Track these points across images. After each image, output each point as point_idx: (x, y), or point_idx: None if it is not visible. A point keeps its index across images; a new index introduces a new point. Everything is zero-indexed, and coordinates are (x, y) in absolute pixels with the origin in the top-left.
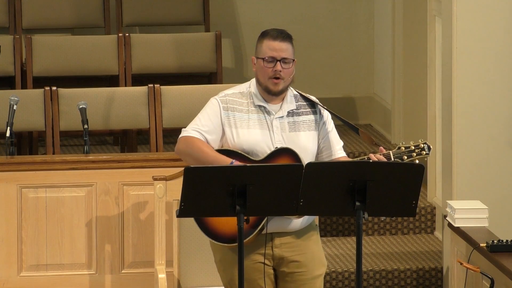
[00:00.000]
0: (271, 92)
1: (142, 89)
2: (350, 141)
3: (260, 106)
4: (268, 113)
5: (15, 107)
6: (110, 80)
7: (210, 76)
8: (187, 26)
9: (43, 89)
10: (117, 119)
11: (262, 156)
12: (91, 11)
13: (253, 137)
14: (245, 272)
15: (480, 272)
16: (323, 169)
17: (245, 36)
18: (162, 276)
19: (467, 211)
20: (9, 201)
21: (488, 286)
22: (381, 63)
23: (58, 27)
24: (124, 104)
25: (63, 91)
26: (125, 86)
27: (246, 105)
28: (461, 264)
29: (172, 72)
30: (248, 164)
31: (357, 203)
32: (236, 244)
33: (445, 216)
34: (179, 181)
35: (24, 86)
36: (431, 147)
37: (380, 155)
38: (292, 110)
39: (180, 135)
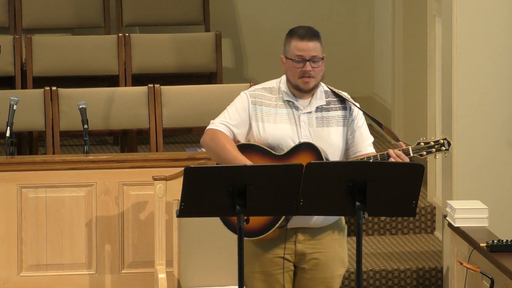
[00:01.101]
0: (302, 90)
1: (142, 89)
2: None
3: (288, 101)
4: (296, 108)
5: (15, 107)
6: (110, 80)
7: (210, 76)
8: (187, 26)
9: (43, 89)
10: (117, 119)
11: (286, 151)
12: (91, 11)
13: (279, 131)
14: (265, 266)
15: (480, 272)
16: (323, 169)
17: (245, 36)
18: (162, 276)
19: (467, 211)
20: (9, 201)
21: (488, 286)
22: (381, 63)
23: (58, 27)
24: (124, 104)
25: (63, 91)
26: (125, 86)
27: (275, 100)
28: (461, 264)
29: (172, 72)
30: (248, 164)
31: (357, 203)
32: (259, 237)
33: (445, 216)
34: (179, 181)
35: (24, 86)
36: (451, 143)
37: (399, 150)
38: (321, 105)
39: (208, 127)
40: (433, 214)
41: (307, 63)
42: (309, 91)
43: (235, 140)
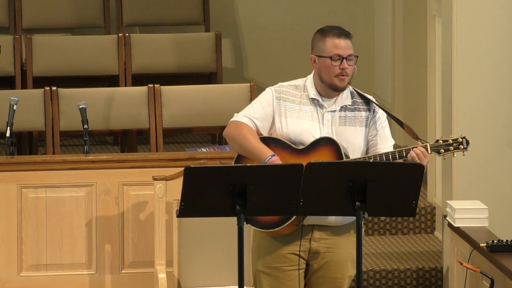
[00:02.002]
0: (337, 89)
1: (142, 89)
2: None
3: (313, 99)
4: (321, 106)
5: (15, 107)
6: (110, 80)
7: (210, 76)
8: (187, 26)
9: (43, 89)
10: (117, 119)
11: (307, 145)
12: (91, 11)
13: (301, 127)
14: (277, 261)
15: (480, 272)
16: (323, 169)
17: (245, 36)
18: (162, 276)
19: (467, 211)
20: (9, 201)
21: (488, 286)
22: (381, 63)
23: (58, 27)
24: (124, 104)
25: (63, 91)
26: (125, 86)
27: (300, 97)
28: (461, 264)
29: (172, 72)
30: (248, 164)
31: (357, 203)
32: (275, 230)
33: (445, 216)
34: (179, 181)
35: (24, 86)
36: (469, 141)
37: (419, 147)
38: (346, 105)
39: (231, 119)
40: (433, 214)
41: (345, 61)
42: (344, 89)
43: (258, 133)
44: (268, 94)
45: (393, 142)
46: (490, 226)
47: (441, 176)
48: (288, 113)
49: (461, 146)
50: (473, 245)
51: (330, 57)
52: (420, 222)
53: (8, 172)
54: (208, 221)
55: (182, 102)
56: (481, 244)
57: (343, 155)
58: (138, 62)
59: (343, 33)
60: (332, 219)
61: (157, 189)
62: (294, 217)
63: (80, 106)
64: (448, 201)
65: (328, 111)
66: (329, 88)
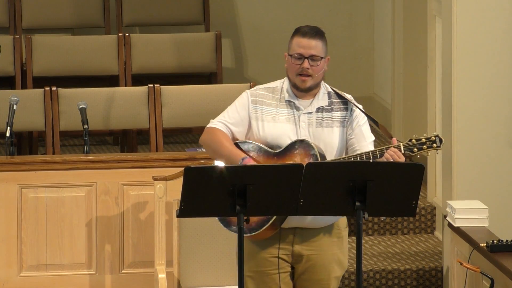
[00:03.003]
0: (299, 89)
1: (142, 89)
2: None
3: (289, 102)
4: (297, 108)
5: (15, 107)
6: (110, 80)
7: (210, 76)
8: (187, 26)
9: (43, 89)
10: (117, 119)
11: (282, 149)
12: (91, 11)
13: (277, 130)
14: (260, 265)
15: (480, 272)
16: (323, 169)
17: (245, 36)
18: (162, 276)
19: (467, 211)
20: (9, 201)
21: (488, 286)
22: (381, 63)
23: (58, 27)
24: (124, 104)
25: (63, 91)
26: (125, 86)
27: (276, 99)
28: (461, 264)
29: (172, 72)
30: (248, 164)
31: (357, 203)
32: (254, 234)
33: (445, 216)
34: (179, 181)
35: (24, 86)
36: (443, 140)
37: (389, 146)
38: (322, 106)
39: (207, 126)
40: (433, 214)
41: (306, 60)
42: (307, 91)
43: (234, 138)
44: (243, 99)
45: (373, 139)
46: (490, 226)
47: (441, 176)
48: (264, 117)
49: (434, 145)
50: (473, 245)
51: (292, 55)
52: (420, 222)
53: (8, 172)
54: (208, 221)
55: (182, 102)
56: (481, 244)
57: (318, 155)
58: (138, 62)
59: (309, 33)
60: (312, 221)
61: (157, 189)
62: (272, 220)
63: (80, 106)
64: (448, 201)
65: (304, 113)
66: (294, 88)
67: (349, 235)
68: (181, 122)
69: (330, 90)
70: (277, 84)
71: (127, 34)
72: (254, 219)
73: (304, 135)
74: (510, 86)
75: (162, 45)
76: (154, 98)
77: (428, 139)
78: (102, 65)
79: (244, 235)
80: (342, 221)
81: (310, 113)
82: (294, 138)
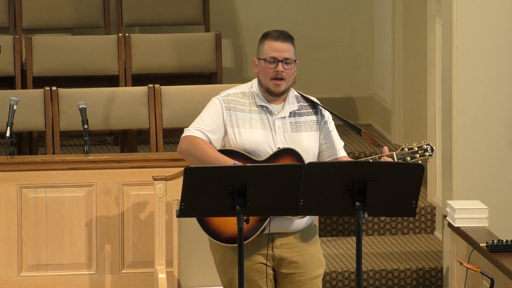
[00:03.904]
0: (273, 93)
1: (142, 89)
2: (351, 141)
3: (262, 106)
4: (271, 113)
5: (15, 107)
6: (110, 80)
7: (210, 76)
8: (187, 26)
9: (43, 89)
10: (117, 119)
11: (264, 157)
12: (91, 11)
13: (255, 137)
14: (245, 273)
15: (480, 272)
16: (323, 169)
17: (245, 36)
18: (162, 276)
19: (467, 211)
20: (9, 201)
21: (488, 286)
22: (381, 63)
23: (58, 27)
24: (124, 104)
25: (63, 91)
26: (125, 86)
27: (248, 105)
28: (461, 264)
29: (172, 72)
30: (248, 164)
31: (357, 203)
32: (237, 244)
33: (445, 216)
34: (179, 181)
35: (24, 86)
36: (434, 148)
37: (382, 156)
38: (294, 110)
39: (183, 135)
40: (433, 214)
41: (280, 63)
42: (280, 95)
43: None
44: (216, 105)
45: (343, 143)
46: (490, 226)
47: (441, 176)
48: (240, 123)
49: (426, 153)
50: (473, 245)
51: (265, 59)
52: (420, 222)
53: (8, 172)
54: None
55: (182, 102)
56: (481, 244)
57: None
58: (138, 62)
59: (281, 36)
60: (295, 226)
61: (157, 189)
62: (261, 229)
63: (80, 106)
64: (448, 201)
65: (278, 118)
66: (266, 93)
67: (349, 235)
68: (181, 122)
69: (297, 93)
70: (245, 88)
71: (127, 34)
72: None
73: (280, 140)
74: (510, 86)
75: (162, 45)
76: (154, 98)
77: (419, 147)
78: (102, 65)
79: (225, 244)
80: (315, 220)
81: (284, 117)
82: (271, 144)
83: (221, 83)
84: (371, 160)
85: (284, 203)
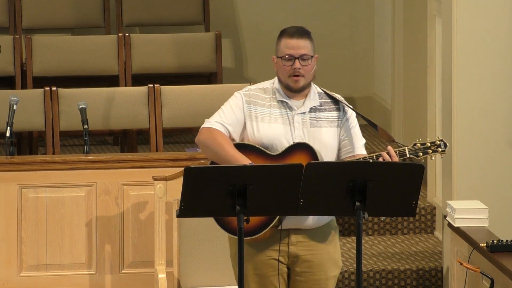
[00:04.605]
0: (292, 89)
1: (142, 89)
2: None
3: (282, 102)
4: (290, 108)
5: (15, 107)
6: (110, 80)
7: (210, 76)
8: (187, 26)
9: (43, 89)
10: (117, 119)
11: (280, 151)
12: (91, 11)
13: (273, 131)
14: (258, 268)
15: (480, 272)
16: (323, 169)
17: (245, 36)
18: (162, 276)
19: (467, 211)
20: (9, 201)
21: (488, 286)
22: (381, 63)
23: (58, 27)
24: (124, 104)
25: (63, 91)
26: (125, 86)
27: (269, 100)
28: (461, 264)
29: (172, 72)
30: (248, 164)
31: (357, 203)
32: (252, 238)
33: (445, 216)
34: (179, 181)
35: (24, 86)
36: (447, 144)
37: (395, 151)
38: (314, 106)
39: (202, 126)
40: (433, 214)
41: (296, 60)
42: (300, 91)
43: (230, 138)
44: (237, 99)
45: (364, 141)
46: (490, 226)
47: (441, 176)
48: (259, 117)
49: (439, 149)
50: (473, 245)
51: (281, 57)
52: (420, 222)
53: (8, 172)
54: (208, 221)
55: (182, 102)
56: (481, 244)
57: (320, 160)
58: (138, 62)
59: (296, 33)
60: (308, 222)
61: (157, 189)
62: (273, 223)
63: (80, 106)
64: (448, 201)
65: (297, 114)
66: (286, 89)
67: (349, 235)
68: (181, 122)
69: (320, 90)
70: (267, 84)
71: (127, 34)
72: (253, 222)
73: (298, 135)
74: (510, 86)
75: (162, 45)
76: (154, 98)
77: (432, 143)
78: (102, 65)
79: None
80: (334, 220)
81: (304, 113)
82: (289, 139)
83: (221, 83)
84: (371, 160)
85: (284, 203)
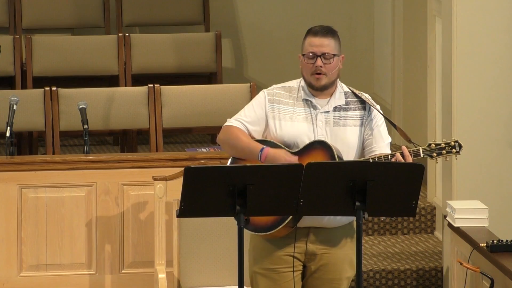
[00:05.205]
0: (314, 87)
1: (142, 89)
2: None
3: (306, 100)
4: (314, 107)
5: (15, 107)
6: (110, 80)
7: (210, 76)
8: (187, 26)
9: (43, 89)
10: (117, 119)
11: (300, 148)
12: (91, 11)
13: (295, 129)
14: (274, 263)
15: (480, 272)
16: (323, 169)
17: (245, 36)
18: (162, 276)
19: (467, 211)
20: (9, 201)
21: (488, 286)
22: (381, 63)
23: (58, 27)
24: (124, 104)
25: (63, 91)
26: (125, 86)
27: (293, 98)
28: (461, 264)
29: (172, 72)
30: (248, 164)
31: (357, 203)
32: (269, 233)
33: (445, 216)
34: (179, 181)
35: (24, 86)
36: (462, 145)
37: (409, 151)
38: (339, 105)
39: (224, 125)
40: (433, 214)
41: (318, 58)
42: (322, 89)
43: (251, 137)
44: (260, 98)
45: (390, 140)
46: (490, 226)
47: (441, 176)
48: (282, 116)
49: (454, 150)
50: (473, 245)
51: (304, 55)
52: (420, 222)
53: (8, 172)
54: (208, 221)
55: (182, 102)
56: (481, 244)
57: (336, 157)
58: (138, 62)
59: (320, 31)
60: (328, 221)
61: (157, 189)
62: (288, 220)
63: (80, 106)
64: (448, 201)
65: (321, 112)
66: (309, 87)
67: None
68: (181, 122)
69: (347, 89)
70: (293, 83)
71: (127, 34)
72: (267, 218)
73: (321, 134)
74: (510, 86)
75: (162, 45)
76: (154, 98)
77: (447, 144)
78: (102, 65)
79: (260, 233)
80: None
81: (327, 112)
82: (311, 137)
83: (221, 83)
84: (371, 160)
85: (284, 203)
